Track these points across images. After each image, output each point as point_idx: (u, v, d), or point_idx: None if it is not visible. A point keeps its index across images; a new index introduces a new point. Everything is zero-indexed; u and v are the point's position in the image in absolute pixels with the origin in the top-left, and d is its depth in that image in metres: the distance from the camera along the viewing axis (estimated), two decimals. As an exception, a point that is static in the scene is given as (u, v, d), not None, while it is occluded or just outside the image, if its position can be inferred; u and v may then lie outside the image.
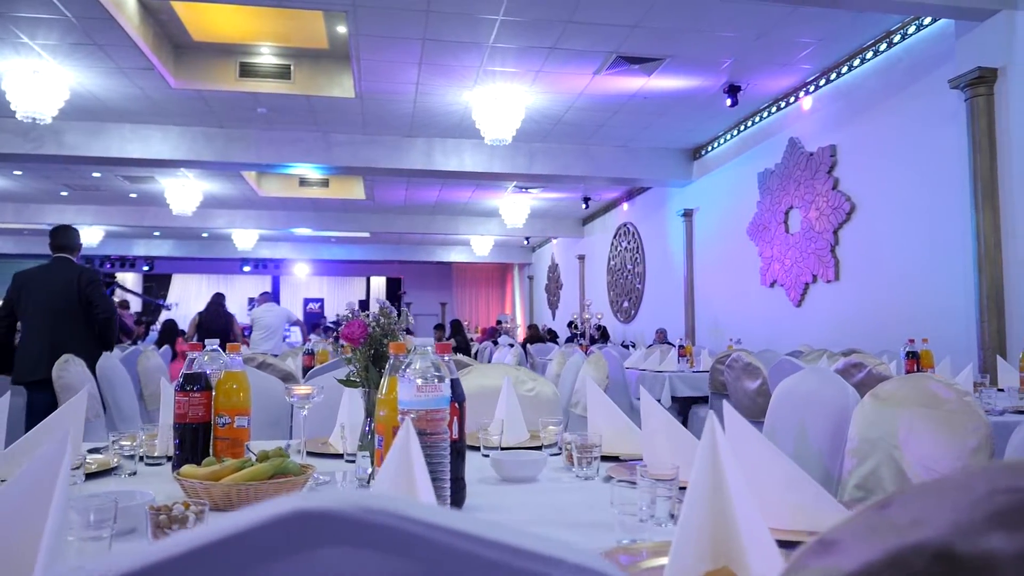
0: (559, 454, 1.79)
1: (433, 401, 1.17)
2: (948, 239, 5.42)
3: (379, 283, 23.07)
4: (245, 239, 15.19)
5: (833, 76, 6.86)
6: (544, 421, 1.88)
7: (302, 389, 1.55)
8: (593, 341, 9.68)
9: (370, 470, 1.47)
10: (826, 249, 6.97)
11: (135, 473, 1.58)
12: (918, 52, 5.83)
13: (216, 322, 6.92)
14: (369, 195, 12.47)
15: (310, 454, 1.87)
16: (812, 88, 7.18)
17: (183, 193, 11.11)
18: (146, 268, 18.02)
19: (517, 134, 7.58)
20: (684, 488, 1.33)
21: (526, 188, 11.90)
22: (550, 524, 1.21)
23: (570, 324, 11.34)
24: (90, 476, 1.55)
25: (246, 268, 19.02)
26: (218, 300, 7.13)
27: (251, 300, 18.51)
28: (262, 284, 20.80)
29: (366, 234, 15.78)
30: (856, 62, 6.54)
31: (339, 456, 1.75)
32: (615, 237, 13.00)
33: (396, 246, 18.30)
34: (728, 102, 7.40)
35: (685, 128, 8.89)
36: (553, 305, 17.19)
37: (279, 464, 1.27)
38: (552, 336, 12.71)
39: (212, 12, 6.63)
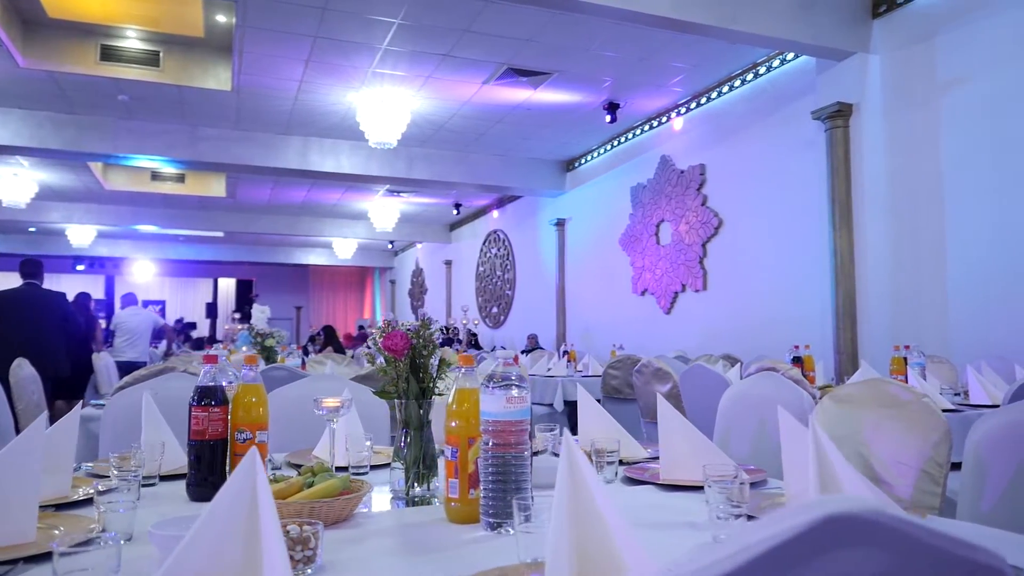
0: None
1: (519, 412, 1.20)
2: (807, 254, 6.02)
3: (228, 285, 21.89)
4: (82, 235, 13.89)
5: (703, 100, 7.40)
6: (537, 427, 1.94)
7: (331, 401, 1.51)
8: (468, 346, 9.76)
9: (405, 482, 1.46)
10: (695, 261, 7.49)
11: (138, 497, 1.46)
12: (782, 84, 6.44)
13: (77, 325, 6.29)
14: (230, 193, 11.84)
15: (299, 466, 1.81)
16: (684, 110, 7.70)
17: (15, 183, 9.99)
18: (-44, 265, 15.96)
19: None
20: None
21: (398, 192, 11.80)
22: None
23: (443, 329, 11.37)
24: (84, 501, 1.42)
25: (80, 267, 17.37)
26: (83, 301, 6.49)
27: (83, 302, 16.92)
28: (95, 284, 19.10)
29: (220, 233, 14.94)
30: (725, 89, 7.10)
31: (343, 469, 1.71)
32: (485, 243, 13.17)
33: (251, 247, 17.46)
34: (608, 118, 7.77)
35: (562, 141, 9.21)
36: (417, 310, 17.11)
37: (346, 479, 1.24)
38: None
39: (73, -12, 6.08)
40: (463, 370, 1.31)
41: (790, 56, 6.29)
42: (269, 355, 4.23)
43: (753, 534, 0.43)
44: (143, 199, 12.24)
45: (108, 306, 18.49)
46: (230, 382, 1.53)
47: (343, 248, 16.14)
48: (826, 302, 5.63)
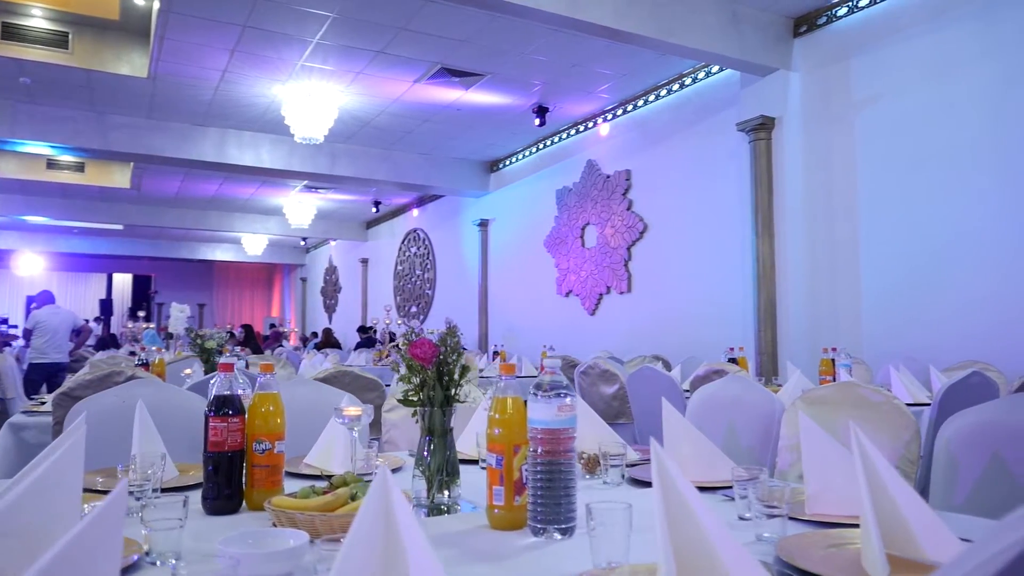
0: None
1: (568, 420, 1.23)
2: (730, 259, 6.29)
3: (124, 281, 20.74)
4: (-37, 226, 12.85)
5: (630, 108, 7.60)
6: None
7: (352, 410, 1.49)
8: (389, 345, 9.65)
9: (428, 490, 1.46)
10: (620, 263, 7.69)
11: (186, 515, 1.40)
12: (707, 95, 6.70)
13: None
14: (135, 184, 11.22)
15: (300, 476, 1.78)
16: (610, 116, 7.89)
17: None
18: None
19: (322, 134, 7.38)
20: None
21: (317, 188, 11.53)
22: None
23: (365, 328, 11.18)
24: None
25: (-43, 260, 16.03)
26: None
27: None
28: (-27, 279, 17.70)
29: (119, 226, 14.16)
30: (651, 97, 7.32)
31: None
32: (404, 242, 13.05)
33: (152, 241, 16.59)
34: (536, 122, 7.87)
35: (488, 142, 9.25)
36: (330, 309, 16.75)
37: (392, 489, 1.23)
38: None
39: (-26, -40, 5.64)
40: (503, 378, 1.32)
41: (715, 69, 6.56)
42: (209, 358, 4.04)
43: (995, 544, 0.48)
44: (37, 188, 11.44)
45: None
46: (243, 390, 1.49)
47: (253, 244, 15.63)
48: (747, 305, 5.91)
